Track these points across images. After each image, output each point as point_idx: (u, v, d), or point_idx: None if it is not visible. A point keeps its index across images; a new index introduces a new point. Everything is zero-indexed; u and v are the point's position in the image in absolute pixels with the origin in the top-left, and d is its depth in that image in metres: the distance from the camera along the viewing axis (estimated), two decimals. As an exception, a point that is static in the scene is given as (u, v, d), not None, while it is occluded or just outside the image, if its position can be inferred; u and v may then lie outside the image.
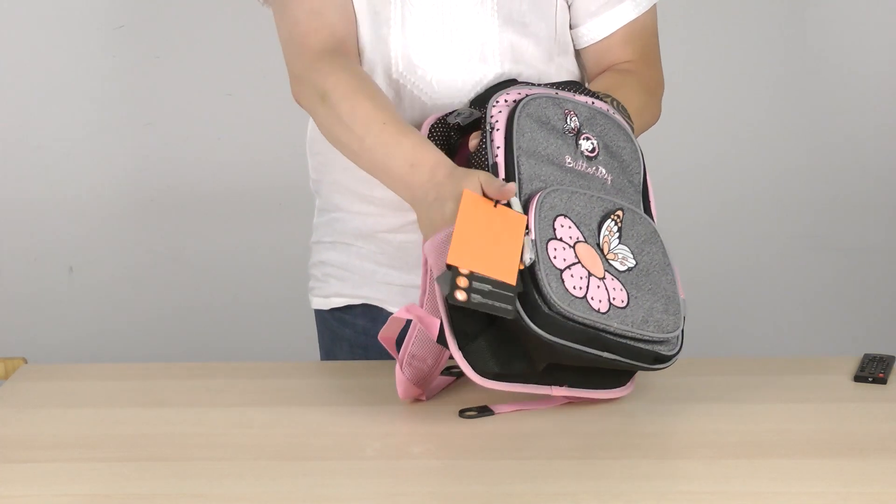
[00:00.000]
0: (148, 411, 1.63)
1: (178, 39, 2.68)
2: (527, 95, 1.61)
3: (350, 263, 1.88)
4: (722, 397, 1.65)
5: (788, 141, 2.84)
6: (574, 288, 1.49)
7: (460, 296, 1.44)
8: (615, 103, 1.70)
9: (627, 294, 1.53)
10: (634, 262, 1.56)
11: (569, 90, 1.65)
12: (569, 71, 1.83)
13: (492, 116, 1.59)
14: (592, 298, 1.50)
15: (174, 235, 2.83)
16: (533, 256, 1.48)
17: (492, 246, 1.47)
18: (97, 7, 2.74)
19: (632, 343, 1.53)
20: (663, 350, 1.56)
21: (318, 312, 1.96)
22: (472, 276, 1.45)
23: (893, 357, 1.74)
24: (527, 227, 1.49)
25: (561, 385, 1.57)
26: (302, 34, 1.75)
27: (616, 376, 1.60)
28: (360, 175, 1.72)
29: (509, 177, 1.55)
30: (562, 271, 1.49)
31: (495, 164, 1.57)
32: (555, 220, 1.52)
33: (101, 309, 2.86)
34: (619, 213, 1.56)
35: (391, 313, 1.81)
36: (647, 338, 1.54)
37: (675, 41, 2.77)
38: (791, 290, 2.89)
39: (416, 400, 1.62)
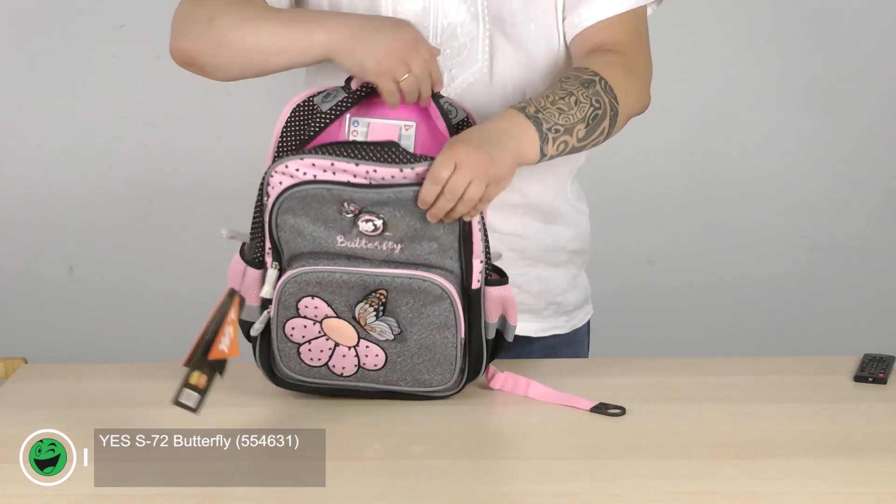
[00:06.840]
0: (148, 411, 1.63)
1: (178, 39, 2.68)
2: (301, 183, 1.58)
3: None
4: (722, 397, 1.65)
5: (788, 140, 2.84)
6: (312, 360, 1.62)
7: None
8: (602, 82, 1.68)
9: (386, 357, 1.61)
10: (397, 331, 1.59)
11: (374, 159, 1.57)
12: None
13: (269, 185, 1.62)
14: (334, 366, 1.62)
15: (174, 235, 2.83)
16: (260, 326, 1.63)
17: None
18: (97, 7, 2.73)
19: (390, 391, 1.64)
20: (436, 393, 1.64)
21: None
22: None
23: (893, 357, 1.74)
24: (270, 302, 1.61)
25: None
26: None
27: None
28: None
29: (274, 248, 1.63)
30: (300, 345, 1.61)
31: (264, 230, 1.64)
32: (299, 300, 1.59)
33: (101, 309, 2.85)
34: (382, 292, 1.58)
35: None
36: (406, 392, 1.64)
37: (673, 37, 2.77)
38: (791, 290, 2.88)
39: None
